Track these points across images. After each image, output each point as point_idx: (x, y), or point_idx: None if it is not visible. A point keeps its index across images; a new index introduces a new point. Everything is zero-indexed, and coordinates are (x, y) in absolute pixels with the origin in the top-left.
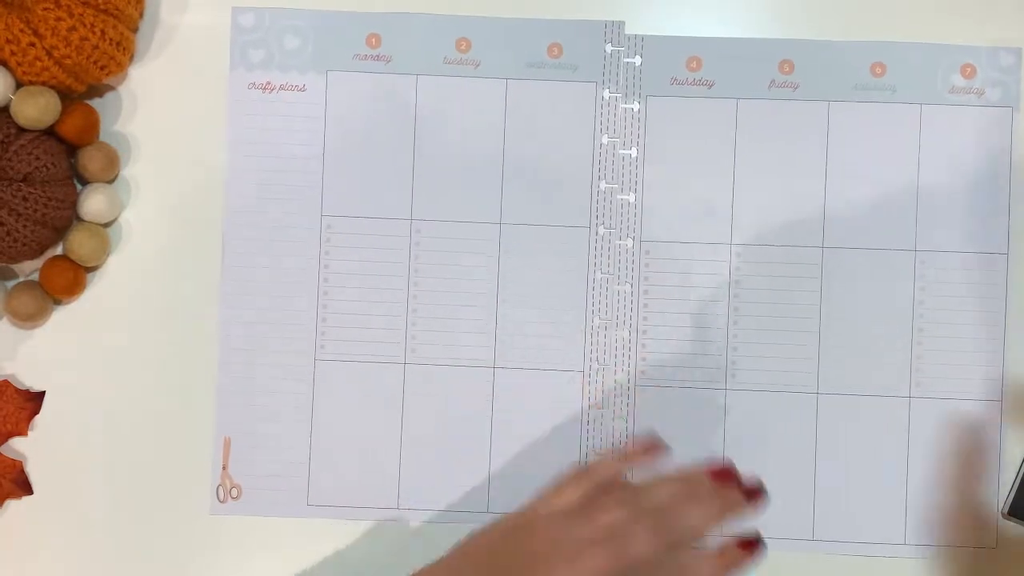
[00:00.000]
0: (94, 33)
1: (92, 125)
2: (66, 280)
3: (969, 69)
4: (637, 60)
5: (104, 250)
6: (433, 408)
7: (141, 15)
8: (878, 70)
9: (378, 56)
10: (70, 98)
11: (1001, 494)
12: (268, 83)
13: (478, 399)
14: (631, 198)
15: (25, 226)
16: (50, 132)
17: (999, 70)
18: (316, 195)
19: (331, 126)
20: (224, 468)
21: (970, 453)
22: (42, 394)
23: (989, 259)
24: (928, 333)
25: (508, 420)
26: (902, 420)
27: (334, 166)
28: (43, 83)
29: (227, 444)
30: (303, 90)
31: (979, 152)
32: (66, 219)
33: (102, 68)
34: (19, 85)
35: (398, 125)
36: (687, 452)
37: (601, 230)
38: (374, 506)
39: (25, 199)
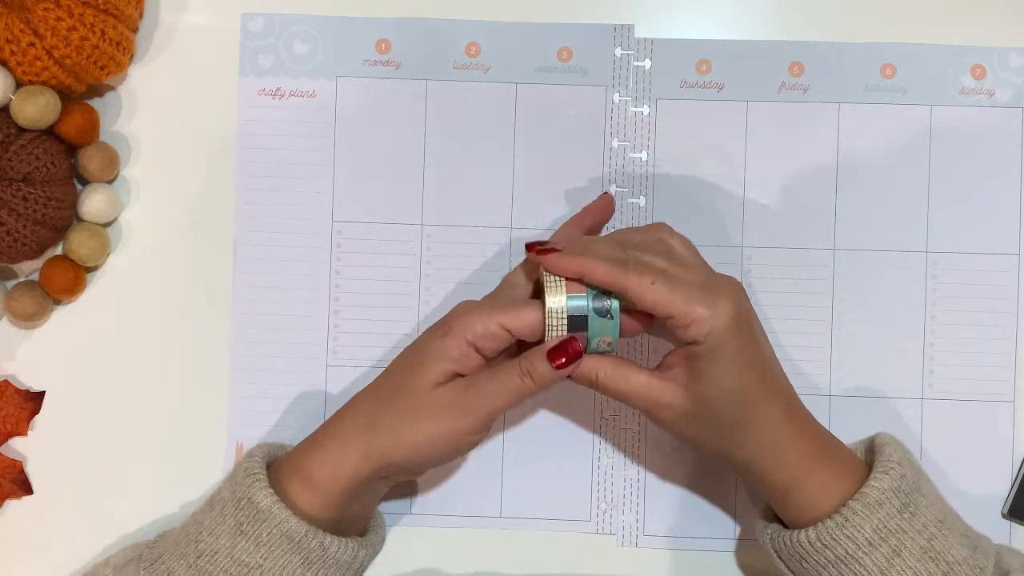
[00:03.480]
0: (94, 33)
1: (92, 125)
2: (66, 280)
3: (979, 70)
4: (647, 63)
5: (104, 250)
6: None
7: (141, 15)
8: (888, 71)
9: (388, 61)
10: (70, 98)
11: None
12: (278, 89)
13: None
14: (641, 201)
15: (25, 226)
16: (50, 132)
17: (1009, 71)
18: (327, 201)
19: (341, 132)
20: None
21: (982, 454)
22: (42, 394)
23: (1001, 260)
24: (940, 335)
25: (520, 426)
26: (915, 421)
27: (344, 172)
28: (43, 83)
29: (239, 450)
30: (313, 96)
31: (989, 153)
32: (66, 219)
33: (102, 68)
34: (19, 85)
35: (408, 130)
36: (698, 460)
37: None
38: (386, 511)
39: (25, 199)
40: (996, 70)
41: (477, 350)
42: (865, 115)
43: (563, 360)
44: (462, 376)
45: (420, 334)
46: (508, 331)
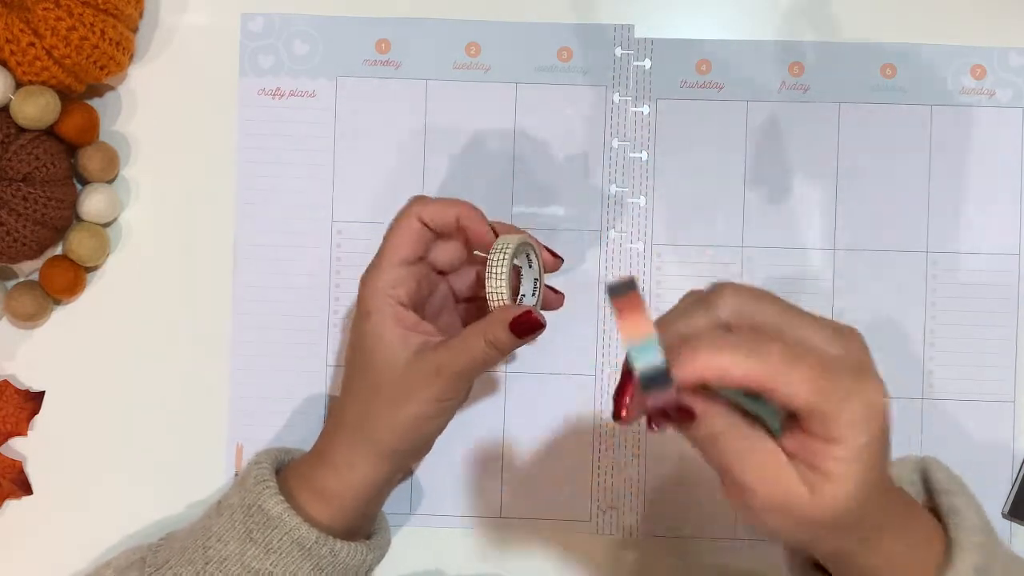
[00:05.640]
0: (94, 33)
1: (92, 125)
2: (66, 280)
3: (979, 70)
4: (647, 63)
5: (104, 250)
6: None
7: (140, 15)
8: (888, 71)
9: (388, 61)
10: (70, 98)
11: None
12: (278, 89)
13: (490, 403)
14: (642, 201)
15: (25, 226)
16: (50, 132)
17: (1009, 71)
18: (327, 201)
19: (341, 132)
20: (237, 475)
21: (982, 454)
22: (42, 394)
23: (1001, 260)
24: (940, 335)
25: (520, 424)
26: (915, 422)
27: (344, 172)
28: (43, 83)
29: (239, 451)
30: (313, 96)
31: (990, 153)
32: (66, 219)
33: (102, 68)
34: (19, 85)
35: (408, 130)
36: (698, 460)
37: (612, 233)
38: (387, 512)
39: (25, 199)
40: (996, 70)
41: (403, 304)
42: (865, 115)
43: (524, 329)
44: (426, 341)
45: (350, 329)
46: (406, 259)
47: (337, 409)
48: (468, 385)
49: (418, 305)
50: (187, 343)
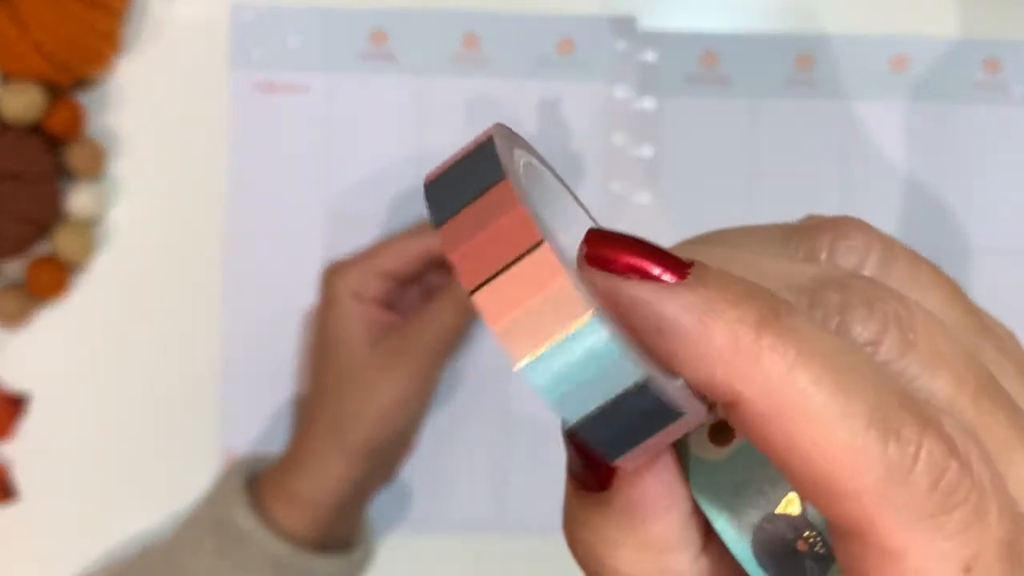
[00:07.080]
0: (82, 25)
1: (78, 120)
2: (51, 279)
3: (993, 63)
4: (650, 56)
5: (90, 248)
6: (446, 417)
7: (129, 7)
8: (899, 65)
9: (383, 55)
10: (56, 93)
11: None
12: (270, 83)
13: (494, 406)
14: (645, 199)
15: (9, 224)
16: (35, 128)
17: None
18: (321, 199)
19: (336, 127)
20: None
21: None
22: (26, 396)
23: (1015, 259)
24: None
25: (523, 429)
26: None
27: (339, 168)
28: (29, 77)
29: (229, 458)
30: (306, 90)
31: (1004, 150)
32: (51, 217)
33: (89, 62)
34: (4, 79)
35: (405, 126)
36: None
37: None
38: (379, 519)
39: (10, 197)
40: (1010, 63)
41: (367, 300)
42: (875, 109)
43: None
44: (392, 324)
45: (310, 322)
46: (387, 273)
47: (305, 408)
48: (440, 362)
49: (386, 306)
50: (177, 345)
